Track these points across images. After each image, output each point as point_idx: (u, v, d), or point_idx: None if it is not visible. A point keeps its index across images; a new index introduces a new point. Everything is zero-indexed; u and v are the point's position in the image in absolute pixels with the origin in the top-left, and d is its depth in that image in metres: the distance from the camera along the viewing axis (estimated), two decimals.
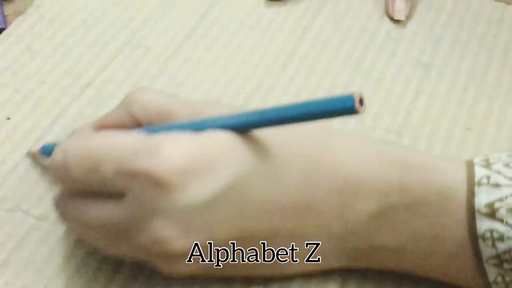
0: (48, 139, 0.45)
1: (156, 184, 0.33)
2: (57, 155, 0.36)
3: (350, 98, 0.31)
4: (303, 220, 0.35)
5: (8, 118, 0.46)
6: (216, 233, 0.34)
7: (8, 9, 0.53)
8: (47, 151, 0.42)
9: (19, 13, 0.52)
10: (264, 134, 0.35)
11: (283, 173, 0.35)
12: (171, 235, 0.33)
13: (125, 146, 0.34)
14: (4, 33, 0.51)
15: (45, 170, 0.43)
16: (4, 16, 0.52)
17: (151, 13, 0.53)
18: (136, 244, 0.34)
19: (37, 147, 0.44)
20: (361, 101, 0.31)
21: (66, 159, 0.35)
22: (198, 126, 0.35)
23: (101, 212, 0.35)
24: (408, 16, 0.54)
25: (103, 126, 0.38)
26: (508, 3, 0.56)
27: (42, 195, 0.42)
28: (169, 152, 0.33)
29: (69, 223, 0.38)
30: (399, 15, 0.54)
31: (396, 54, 0.52)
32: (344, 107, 0.31)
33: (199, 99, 0.45)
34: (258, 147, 0.35)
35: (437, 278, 0.38)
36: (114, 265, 0.39)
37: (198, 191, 0.33)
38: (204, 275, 0.37)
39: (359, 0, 0.56)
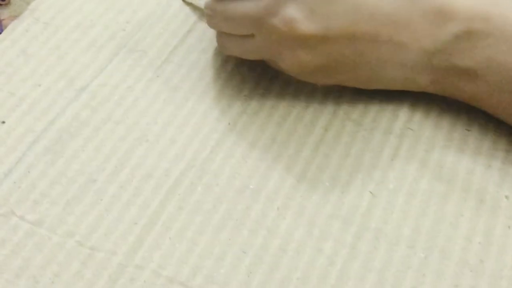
0: (43, 143, 0.44)
1: None
2: None
3: None
4: (402, 30, 0.43)
5: (3, 122, 0.45)
6: (333, 24, 0.42)
7: (4, 13, 0.53)
8: None
9: (14, 17, 0.52)
10: None
11: None
12: (299, 17, 0.42)
13: None
14: None
15: None
16: (0, 21, 0.52)
17: (147, 16, 0.53)
18: (270, 28, 0.43)
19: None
20: None
21: None
22: None
23: (246, 5, 0.44)
24: None
25: None
26: None
27: (38, 200, 0.42)
28: None
29: (216, 20, 0.46)
30: None
31: None
32: None
33: None
34: None
35: (493, 111, 0.46)
36: None
37: None
38: (321, 69, 0.45)
39: None
